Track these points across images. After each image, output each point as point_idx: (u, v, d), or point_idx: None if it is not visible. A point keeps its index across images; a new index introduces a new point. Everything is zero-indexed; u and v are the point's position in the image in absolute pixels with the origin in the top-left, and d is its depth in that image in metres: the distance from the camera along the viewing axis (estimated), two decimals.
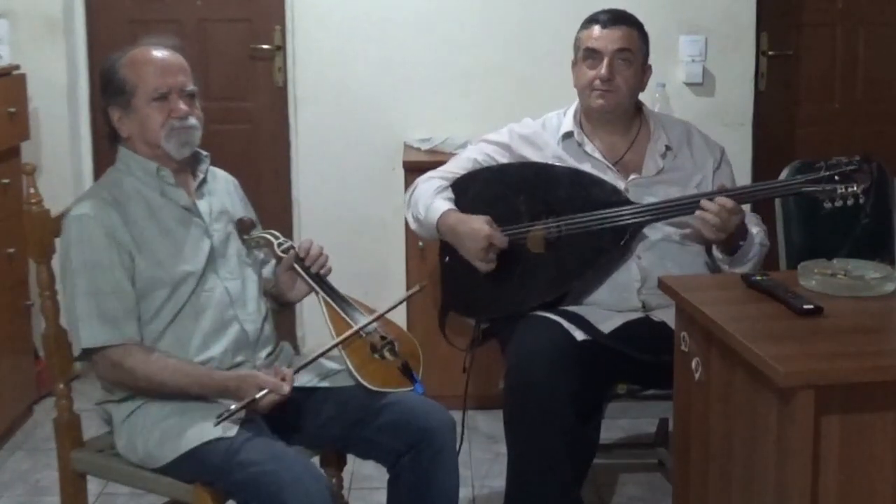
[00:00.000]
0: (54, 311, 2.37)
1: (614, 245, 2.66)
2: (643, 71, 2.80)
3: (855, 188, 2.45)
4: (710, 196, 2.57)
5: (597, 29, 2.75)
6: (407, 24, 3.99)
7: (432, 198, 2.79)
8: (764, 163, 4.08)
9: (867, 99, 4.40)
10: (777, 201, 2.93)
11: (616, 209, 2.66)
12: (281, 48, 4.12)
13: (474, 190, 2.82)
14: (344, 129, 4.04)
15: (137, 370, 2.22)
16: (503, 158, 2.85)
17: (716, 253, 2.69)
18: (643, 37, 2.79)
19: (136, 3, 4.12)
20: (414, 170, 3.56)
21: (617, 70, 2.72)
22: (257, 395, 2.17)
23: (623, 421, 3.42)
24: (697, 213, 2.55)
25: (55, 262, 2.35)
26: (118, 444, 2.29)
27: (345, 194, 4.06)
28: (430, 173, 2.90)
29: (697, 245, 2.74)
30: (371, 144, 4.03)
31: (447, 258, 2.86)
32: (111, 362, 2.23)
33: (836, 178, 2.47)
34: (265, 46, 4.15)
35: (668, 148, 2.79)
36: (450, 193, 2.82)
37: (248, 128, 4.21)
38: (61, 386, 2.38)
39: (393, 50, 4.00)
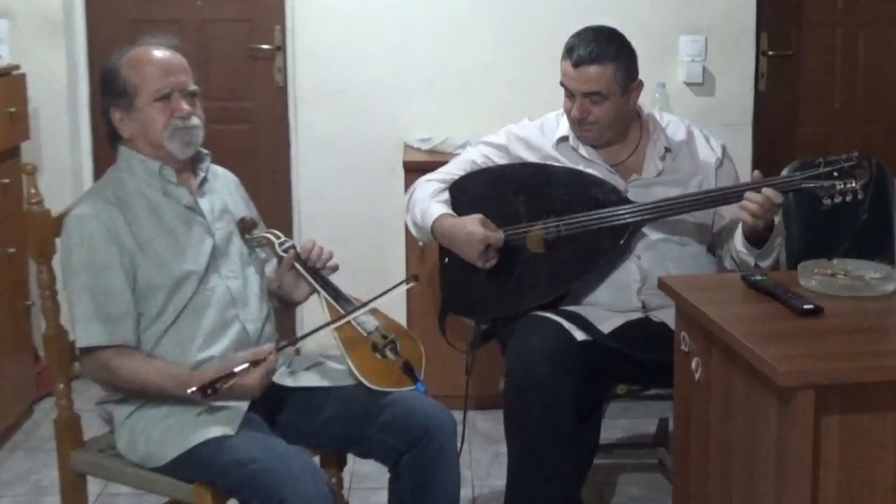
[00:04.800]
0: (54, 311, 2.37)
1: (614, 244, 2.66)
2: (626, 95, 2.72)
3: (854, 184, 2.45)
4: (727, 194, 2.58)
5: (568, 66, 2.69)
6: (407, 25, 3.99)
7: (428, 202, 2.79)
8: (764, 163, 4.06)
9: (867, 99, 4.40)
10: None
11: (615, 208, 2.66)
12: (281, 48, 4.12)
13: (473, 191, 2.82)
14: (344, 129, 4.03)
15: (121, 370, 2.22)
16: (501, 160, 2.85)
17: (740, 247, 2.64)
18: (623, 65, 2.69)
19: (136, 3, 4.12)
20: (414, 170, 3.56)
21: (590, 108, 2.69)
22: (237, 370, 2.15)
23: (623, 421, 3.42)
24: (743, 202, 2.53)
25: (56, 262, 2.35)
26: (118, 444, 2.29)
27: (345, 194, 4.06)
28: (428, 176, 2.90)
29: (697, 245, 2.75)
30: (371, 144, 4.03)
31: (446, 259, 2.86)
32: (99, 363, 2.24)
33: (835, 174, 2.47)
34: (265, 46, 4.15)
35: (667, 150, 2.79)
36: (446, 196, 2.82)
37: (248, 128, 4.21)
38: (61, 386, 2.38)
39: (393, 50, 4.00)
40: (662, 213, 2.65)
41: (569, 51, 2.71)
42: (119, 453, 2.30)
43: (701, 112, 3.96)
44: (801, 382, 1.76)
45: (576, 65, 2.68)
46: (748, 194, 2.53)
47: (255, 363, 2.18)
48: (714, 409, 2.11)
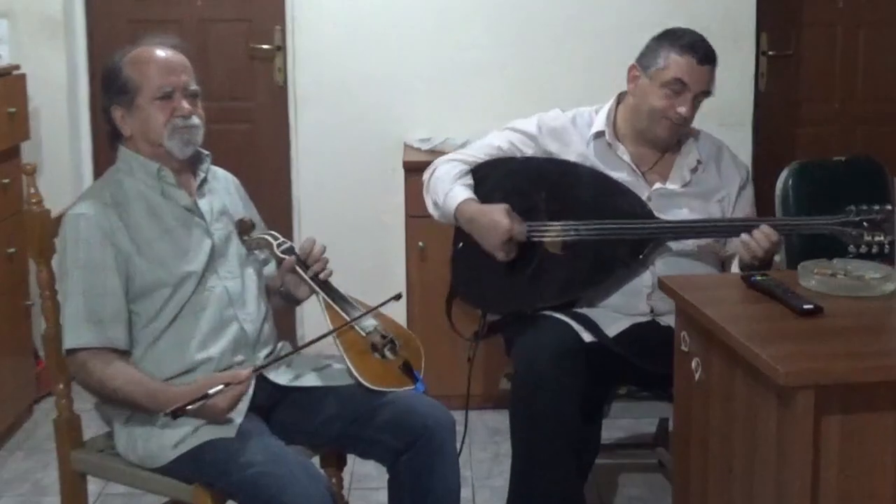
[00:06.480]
0: (54, 311, 2.36)
1: (632, 258, 2.63)
2: None
3: (882, 238, 2.43)
4: (749, 225, 2.55)
5: (693, 62, 2.62)
6: (407, 24, 3.99)
7: (451, 183, 2.72)
8: (764, 163, 4.08)
9: (867, 99, 4.40)
10: (778, 206, 2.93)
11: (639, 222, 2.62)
12: (281, 48, 4.12)
13: (495, 179, 2.75)
14: (344, 129, 4.03)
15: (95, 374, 2.21)
16: (528, 149, 2.78)
17: None
18: None
19: (136, 3, 4.12)
20: (414, 170, 3.56)
21: (694, 107, 2.67)
22: (210, 391, 2.13)
23: (623, 421, 3.42)
24: (743, 236, 2.53)
25: (55, 262, 2.35)
26: (118, 444, 2.29)
27: (345, 194, 4.06)
28: (450, 155, 2.83)
29: (712, 256, 2.72)
30: (371, 144, 4.03)
31: (461, 244, 2.79)
32: (78, 364, 2.23)
33: (865, 224, 2.45)
34: (265, 46, 4.15)
35: (699, 162, 2.75)
36: (469, 179, 2.75)
37: (248, 128, 4.22)
38: (61, 386, 2.38)
39: (393, 50, 4.00)
40: (685, 234, 2.63)
41: (690, 47, 2.65)
42: (119, 453, 2.30)
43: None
44: (801, 382, 1.76)
45: (701, 62, 2.63)
46: (756, 234, 2.51)
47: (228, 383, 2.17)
48: (714, 409, 2.11)
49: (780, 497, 1.84)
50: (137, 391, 2.19)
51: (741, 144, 4.01)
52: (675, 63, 2.64)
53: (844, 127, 4.40)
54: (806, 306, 2.03)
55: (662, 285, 2.32)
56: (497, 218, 2.62)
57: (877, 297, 2.14)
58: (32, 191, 2.38)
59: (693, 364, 2.17)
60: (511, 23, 4.01)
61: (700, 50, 2.65)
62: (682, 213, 2.69)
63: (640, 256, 2.64)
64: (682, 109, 2.65)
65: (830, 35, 4.36)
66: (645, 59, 2.70)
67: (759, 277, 2.22)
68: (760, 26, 4.12)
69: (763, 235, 2.52)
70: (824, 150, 4.12)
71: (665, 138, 2.72)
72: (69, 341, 2.23)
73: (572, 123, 2.80)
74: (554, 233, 2.67)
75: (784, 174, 2.96)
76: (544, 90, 3.90)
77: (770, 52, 4.29)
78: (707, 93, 2.67)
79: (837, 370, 1.79)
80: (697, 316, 2.11)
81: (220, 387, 2.15)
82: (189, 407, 2.11)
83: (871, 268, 2.24)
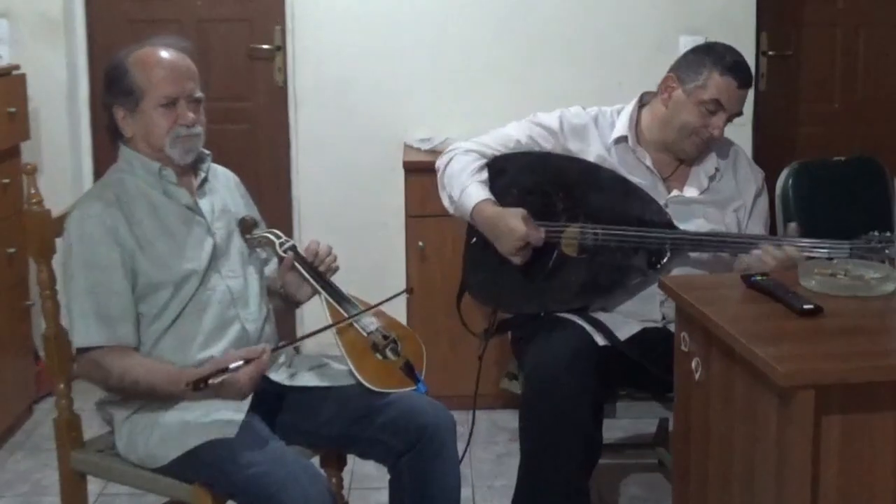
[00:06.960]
0: (54, 311, 2.37)
1: (650, 267, 2.61)
2: None
3: None
4: (774, 243, 2.53)
5: (733, 85, 2.59)
6: (407, 24, 3.99)
7: (468, 180, 2.67)
8: (764, 163, 4.06)
9: (867, 99, 4.40)
10: (778, 206, 2.92)
11: (659, 231, 2.60)
12: (281, 48, 4.13)
13: (513, 174, 2.71)
14: (344, 129, 4.04)
15: (113, 368, 2.22)
16: (547, 144, 2.74)
17: None
18: None
19: (136, 3, 4.12)
20: (414, 170, 3.57)
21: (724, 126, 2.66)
22: (232, 366, 2.15)
23: (623, 421, 3.42)
24: (760, 252, 2.51)
25: (56, 262, 2.35)
26: (118, 444, 2.29)
27: (345, 194, 4.06)
28: (467, 144, 2.76)
29: (726, 266, 2.72)
30: (371, 144, 4.03)
31: (474, 239, 2.77)
32: (93, 362, 2.24)
33: (887, 251, 2.44)
34: (265, 46, 4.15)
35: (716, 170, 2.74)
36: (485, 175, 2.70)
37: (248, 128, 4.21)
38: (61, 386, 2.38)
39: (393, 50, 4.00)
40: (706, 247, 2.61)
41: (732, 69, 2.60)
42: (119, 453, 2.30)
43: None
44: (801, 382, 1.76)
45: (741, 85, 2.61)
46: (774, 252, 2.49)
47: (248, 361, 2.19)
48: (714, 409, 2.11)
49: (780, 497, 1.84)
50: (158, 380, 2.21)
51: (741, 144, 3.97)
52: (715, 84, 2.60)
53: (844, 127, 4.40)
54: (806, 306, 2.03)
55: (663, 286, 2.32)
56: (513, 224, 2.59)
57: (877, 297, 2.14)
58: (32, 191, 2.38)
59: (693, 364, 2.17)
60: (511, 23, 4.01)
61: (741, 73, 2.61)
62: (698, 222, 2.68)
63: (658, 266, 2.62)
64: (716, 131, 2.63)
65: (830, 35, 4.36)
66: (683, 72, 2.65)
67: (759, 277, 2.22)
68: (760, 26, 4.12)
69: (786, 255, 2.49)
70: (824, 150, 4.11)
71: (691, 153, 2.71)
72: (80, 340, 2.23)
73: (594, 123, 2.77)
74: (572, 235, 2.65)
75: (784, 174, 2.97)
76: (544, 90, 3.90)
77: (770, 52, 4.29)
78: (740, 113, 2.66)
79: (837, 370, 1.79)
80: (697, 316, 2.11)
81: (240, 362, 2.17)
82: (210, 380, 2.12)
83: (871, 268, 2.24)
